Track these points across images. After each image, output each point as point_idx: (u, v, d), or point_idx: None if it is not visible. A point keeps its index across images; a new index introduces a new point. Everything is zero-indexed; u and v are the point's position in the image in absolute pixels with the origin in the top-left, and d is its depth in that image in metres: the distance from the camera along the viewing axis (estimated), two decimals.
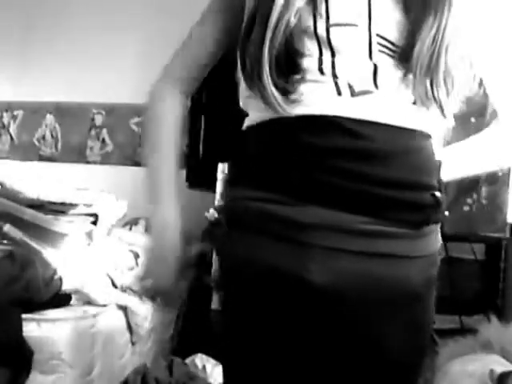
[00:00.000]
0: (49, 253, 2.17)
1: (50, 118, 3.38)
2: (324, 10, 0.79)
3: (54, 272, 2.08)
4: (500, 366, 1.31)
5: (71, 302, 2.09)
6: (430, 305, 0.85)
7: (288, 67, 0.78)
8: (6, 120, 3.47)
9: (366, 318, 0.79)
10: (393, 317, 0.79)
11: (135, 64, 3.11)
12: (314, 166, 0.76)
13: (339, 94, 0.77)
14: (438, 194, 0.80)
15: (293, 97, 0.78)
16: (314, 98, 0.77)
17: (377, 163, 0.76)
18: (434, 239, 0.83)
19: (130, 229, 2.69)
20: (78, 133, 3.32)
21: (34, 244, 2.19)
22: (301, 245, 0.77)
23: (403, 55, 0.78)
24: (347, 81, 0.78)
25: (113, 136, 3.24)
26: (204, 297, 2.41)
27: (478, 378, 1.28)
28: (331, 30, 0.79)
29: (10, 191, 2.48)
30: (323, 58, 0.79)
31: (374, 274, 0.77)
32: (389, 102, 0.78)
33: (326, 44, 0.79)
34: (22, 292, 1.93)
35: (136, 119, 3.16)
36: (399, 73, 0.79)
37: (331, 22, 0.79)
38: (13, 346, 1.81)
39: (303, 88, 0.78)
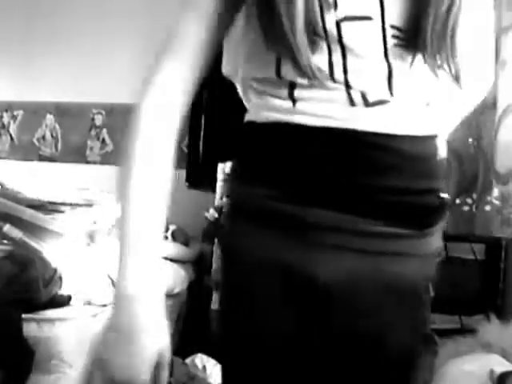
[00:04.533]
0: (49, 253, 2.17)
1: (50, 118, 3.38)
2: None
3: (54, 272, 2.08)
4: (500, 366, 1.31)
5: (71, 302, 2.10)
6: (427, 301, 0.86)
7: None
8: (6, 120, 3.47)
9: (370, 313, 0.78)
10: (396, 312, 0.79)
11: (135, 64, 3.11)
12: (329, 178, 0.75)
13: (352, 104, 0.73)
14: (444, 195, 0.79)
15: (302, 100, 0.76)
16: (326, 107, 0.74)
17: (390, 174, 0.75)
18: (437, 238, 0.83)
19: None
20: (78, 133, 3.32)
21: (33, 244, 2.19)
22: (308, 242, 0.76)
23: (412, 37, 0.73)
24: (361, 89, 0.73)
25: (113, 136, 3.24)
26: (204, 297, 2.41)
27: (478, 377, 1.28)
28: (342, 25, 0.71)
29: (10, 191, 2.48)
30: (333, 59, 0.72)
31: (382, 272, 0.77)
32: (404, 111, 0.75)
33: (336, 42, 0.72)
34: (21, 292, 1.93)
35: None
36: (410, 58, 0.74)
37: (341, 14, 0.71)
38: (13, 346, 1.81)
39: (314, 94, 0.74)
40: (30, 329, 1.83)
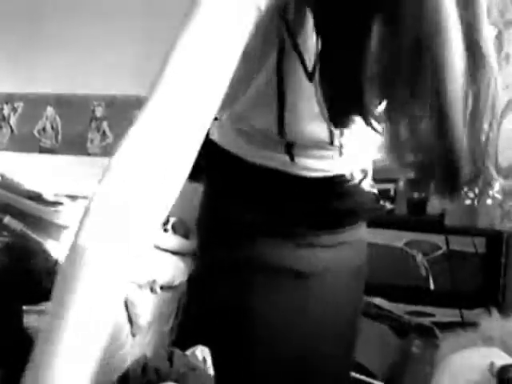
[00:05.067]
0: (50, 244, 2.16)
1: (50, 110, 3.37)
2: None
3: (55, 263, 2.08)
4: (501, 359, 1.31)
5: None
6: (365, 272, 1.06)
7: None
8: (6, 112, 3.46)
9: (344, 288, 0.99)
10: (356, 282, 1.03)
11: (136, 56, 3.10)
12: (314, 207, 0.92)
13: (341, 155, 0.89)
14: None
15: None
16: (323, 163, 0.89)
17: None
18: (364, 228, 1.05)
19: None
20: (78, 125, 3.31)
21: (34, 236, 2.19)
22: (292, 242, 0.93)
23: None
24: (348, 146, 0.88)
25: (113, 128, 3.24)
26: (203, 288, 2.40)
27: (479, 371, 1.27)
28: None
29: (11, 182, 2.48)
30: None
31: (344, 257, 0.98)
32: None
33: None
34: (22, 284, 1.93)
35: (137, 111, 3.15)
36: None
37: None
38: (13, 337, 1.81)
39: (312, 152, 0.88)
40: (31, 320, 1.83)
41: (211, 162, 0.93)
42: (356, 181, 0.95)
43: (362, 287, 1.06)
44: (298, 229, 0.92)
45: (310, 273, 0.93)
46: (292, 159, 0.86)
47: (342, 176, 0.93)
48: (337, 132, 0.84)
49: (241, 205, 0.92)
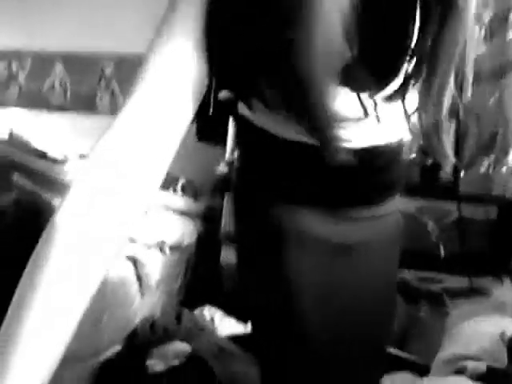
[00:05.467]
0: (57, 202, 2.16)
1: (59, 67, 3.33)
2: None
3: None
4: None
5: None
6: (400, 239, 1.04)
7: None
8: (14, 69, 3.42)
9: (386, 259, 0.99)
10: (396, 251, 1.02)
11: (145, 14, 3.03)
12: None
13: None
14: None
15: None
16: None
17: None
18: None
19: None
20: (87, 83, 3.27)
21: (43, 194, 2.18)
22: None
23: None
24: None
25: (123, 87, 3.20)
26: (213, 250, 2.41)
27: (490, 339, 1.27)
28: None
29: (19, 140, 2.46)
30: None
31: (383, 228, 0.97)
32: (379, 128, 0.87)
33: None
34: (30, 241, 1.93)
35: None
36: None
37: None
38: None
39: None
40: None
41: (244, 136, 0.96)
42: (396, 152, 0.93)
43: (398, 258, 1.04)
44: (336, 202, 0.92)
45: (347, 245, 0.93)
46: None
47: (380, 147, 0.89)
48: (370, 103, 0.79)
49: (276, 178, 0.92)
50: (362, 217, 0.94)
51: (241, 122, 0.92)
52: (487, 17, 2.40)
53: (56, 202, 2.17)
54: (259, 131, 0.88)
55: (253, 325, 1.06)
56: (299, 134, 0.82)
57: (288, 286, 0.92)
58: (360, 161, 0.84)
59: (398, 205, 1.03)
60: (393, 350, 1.73)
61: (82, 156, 2.48)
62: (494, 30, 2.22)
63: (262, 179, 0.94)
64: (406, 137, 0.95)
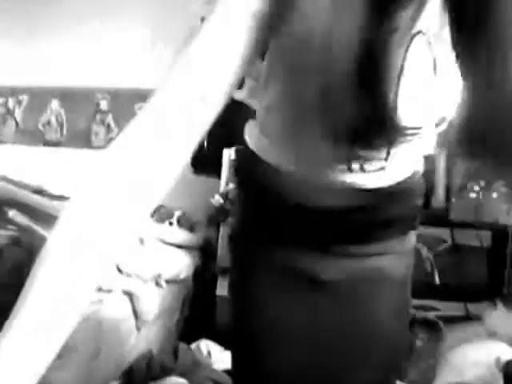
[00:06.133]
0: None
1: (55, 103, 3.37)
2: None
3: None
4: (506, 353, 1.31)
5: None
6: (409, 287, 0.98)
7: None
8: (11, 105, 3.46)
9: (367, 300, 0.92)
10: (386, 296, 0.93)
11: (141, 49, 3.09)
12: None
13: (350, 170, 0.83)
14: (419, 203, 0.94)
15: None
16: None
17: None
18: (413, 236, 0.97)
19: None
20: (83, 118, 3.31)
21: (39, 230, 2.19)
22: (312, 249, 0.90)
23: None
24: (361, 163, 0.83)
25: (118, 121, 3.23)
26: (209, 283, 2.41)
27: (484, 365, 1.27)
28: None
29: (15, 176, 2.48)
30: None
31: (373, 268, 0.92)
32: (392, 170, 0.86)
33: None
34: (28, 278, 1.93)
35: (141, 104, 3.14)
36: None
37: None
38: None
39: None
40: None
41: (242, 164, 0.97)
42: (395, 189, 0.88)
43: (404, 300, 0.97)
44: (323, 239, 0.89)
45: (329, 280, 0.89)
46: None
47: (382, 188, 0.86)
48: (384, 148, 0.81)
49: (266, 210, 0.92)
50: (349, 253, 0.90)
51: (242, 155, 0.93)
52: None
53: None
54: (260, 163, 0.89)
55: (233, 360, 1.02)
56: (299, 166, 0.84)
57: (258, 313, 0.91)
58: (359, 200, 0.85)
59: (408, 245, 0.96)
60: None
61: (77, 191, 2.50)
62: None
63: (257, 216, 0.94)
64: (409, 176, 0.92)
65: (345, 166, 0.82)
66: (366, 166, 0.83)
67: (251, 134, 0.93)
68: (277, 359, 0.90)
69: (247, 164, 0.94)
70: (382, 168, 0.84)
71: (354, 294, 0.90)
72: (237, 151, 0.85)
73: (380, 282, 0.91)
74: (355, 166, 0.82)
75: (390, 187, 0.87)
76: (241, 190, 0.98)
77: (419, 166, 0.93)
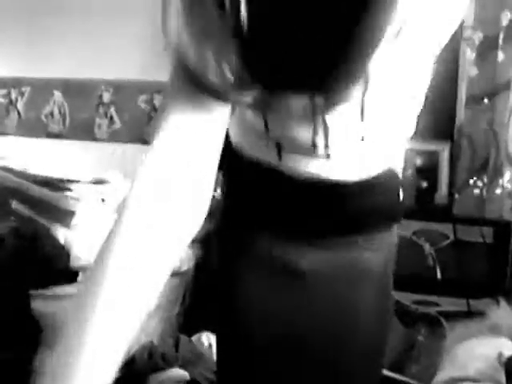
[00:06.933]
0: (57, 230, 2.17)
1: (57, 94, 3.36)
2: None
3: (62, 249, 2.09)
4: (509, 349, 1.31)
5: (78, 279, 2.10)
6: (391, 281, 0.98)
7: None
8: (13, 96, 3.46)
9: (347, 293, 0.92)
10: (368, 289, 0.93)
11: (143, 40, 3.08)
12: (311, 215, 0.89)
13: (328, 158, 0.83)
14: (401, 196, 0.94)
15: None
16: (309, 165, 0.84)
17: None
18: (395, 231, 0.98)
19: None
20: (85, 110, 3.30)
21: (42, 221, 2.19)
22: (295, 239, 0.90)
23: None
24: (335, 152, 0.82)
25: (121, 113, 3.23)
26: (210, 275, 2.41)
27: (487, 360, 1.27)
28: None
29: (18, 168, 2.48)
30: (317, 139, 0.80)
31: (354, 260, 0.92)
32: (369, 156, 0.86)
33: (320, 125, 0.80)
34: (28, 268, 1.93)
35: (144, 96, 3.14)
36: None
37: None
38: (20, 322, 1.82)
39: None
40: (37, 305, 1.84)
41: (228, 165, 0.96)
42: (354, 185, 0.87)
43: (383, 295, 0.96)
44: (301, 229, 0.89)
45: (309, 272, 0.89)
46: (280, 159, 0.85)
47: (336, 181, 0.86)
48: (320, 134, 0.79)
49: (244, 201, 0.94)
50: (327, 245, 0.90)
51: (227, 150, 0.94)
52: (477, 40, 2.45)
53: (54, 229, 2.18)
54: (242, 158, 0.91)
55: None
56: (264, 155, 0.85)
57: (241, 307, 0.93)
58: (311, 191, 0.86)
59: (388, 241, 0.96)
60: (390, 374, 1.72)
61: (82, 183, 2.50)
62: (484, 52, 2.26)
63: (232, 201, 0.96)
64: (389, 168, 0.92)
65: (309, 142, 0.80)
66: (331, 148, 0.81)
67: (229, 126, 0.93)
68: (264, 355, 0.91)
69: (228, 159, 0.94)
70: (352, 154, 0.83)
71: (331, 285, 0.90)
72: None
73: (357, 275, 0.91)
74: (320, 141, 0.80)
75: (365, 180, 0.86)
76: (224, 183, 0.99)
77: (396, 163, 0.93)
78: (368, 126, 0.80)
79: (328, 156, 0.82)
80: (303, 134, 0.79)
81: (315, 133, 0.79)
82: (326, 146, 0.80)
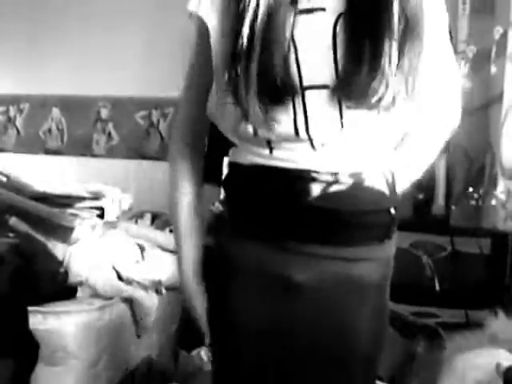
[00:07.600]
0: (55, 246, 2.17)
1: (55, 111, 3.38)
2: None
3: (60, 265, 2.09)
4: (507, 360, 1.31)
5: (77, 295, 2.10)
6: (386, 295, 0.99)
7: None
8: (12, 113, 3.47)
9: (339, 306, 0.94)
10: (359, 303, 0.95)
11: (141, 57, 3.11)
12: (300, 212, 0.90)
13: (314, 148, 0.89)
14: (393, 211, 0.95)
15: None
16: (295, 154, 0.90)
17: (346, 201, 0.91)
18: (391, 246, 0.99)
19: (136, 222, 2.69)
20: (83, 126, 3.32)
21: (40, 237, 2.19)
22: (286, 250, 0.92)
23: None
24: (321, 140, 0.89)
25: (118, 129, 3.25)
26: None
27: (485, 371, 1.27)
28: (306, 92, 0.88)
29: (16, 184, 2.48)
30: (298, 123, 0.88)
31: (346, 273, 0.93)
32: (353, 153, 0.90)
33: (300, 107, 0.88)
34: (27, 285, 1.93)
35: (141, 112, 3.16)
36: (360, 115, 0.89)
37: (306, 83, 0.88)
38: (18, 338, 1.82)
39: (286, 145, 0.90)
40: (36, 321, 1.84)
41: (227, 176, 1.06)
42: (342, 185, 0.90)
43: (377, 308, 0.97)
44: (290, 236, 0.91)
45: (300, 282, 0.91)
46: (271, 151, 0.90)
47: (320, 173, 0.90)
48: (302, 124, 0.87)
49: (236, 209, 0.98)
50: (319, 254, 0.91)
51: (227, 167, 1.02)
52: (471, 53, 2.47)
53: (53, 245, 2.18)
54: (238, 167, 0.97)
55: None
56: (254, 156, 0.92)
57: (231, 318, 0.95)
58: (298, 181, 0.89)
59: (383, 255, 0.97)
60: None
61: (80, 199, 2.50)
62: (478, 66, 2.28)
63: (226, 210, 1.01)
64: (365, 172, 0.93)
65: (292, 129, 0.88)
66: (312, 132, 0.88)
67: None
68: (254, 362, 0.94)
69: (227, 175, 1.03)
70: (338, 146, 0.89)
71: (323, 297, 0.92)
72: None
73: (348, 287, 0.93)
74: (317, 143, 0.88)
75: (356, 188, 0.90)
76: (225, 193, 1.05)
77: (387, 173, 0.95)
78: (346, 114, 0.87)
79: (311, 141, 0.88)
80: (286, 123, 0.88)
81: (296, 119, 0.88)
82: (307, 131, 0.88)
